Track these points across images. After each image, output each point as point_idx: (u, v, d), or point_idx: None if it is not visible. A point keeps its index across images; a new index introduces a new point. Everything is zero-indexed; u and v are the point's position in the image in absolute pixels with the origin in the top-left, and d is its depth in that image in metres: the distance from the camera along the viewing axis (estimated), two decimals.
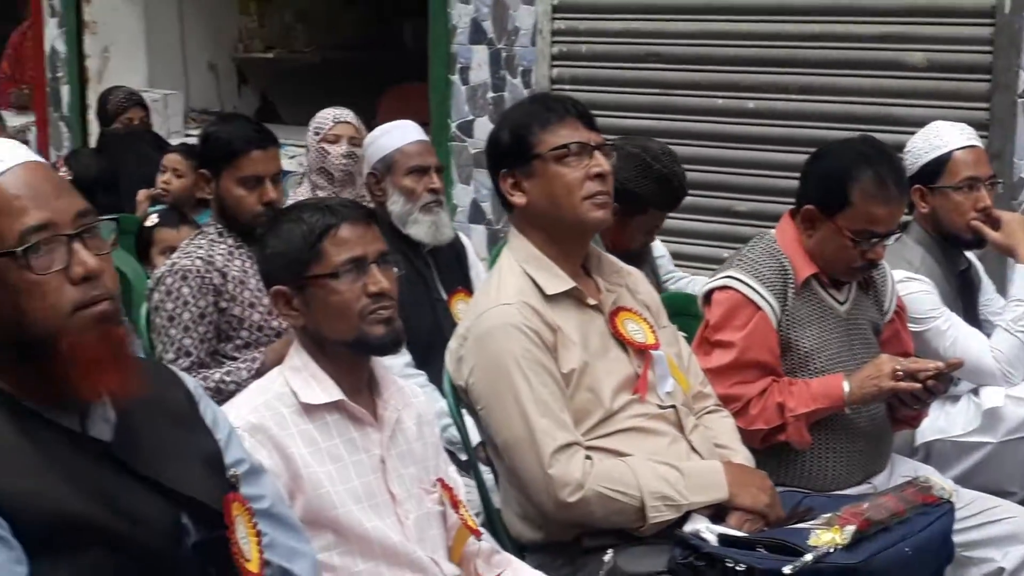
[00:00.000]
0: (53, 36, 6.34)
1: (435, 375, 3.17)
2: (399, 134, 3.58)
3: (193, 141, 5.49)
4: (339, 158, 4.21)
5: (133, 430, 1.73)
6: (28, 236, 1.60)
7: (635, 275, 2.77)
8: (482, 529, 2.33)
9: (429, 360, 3.37)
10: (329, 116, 4.32)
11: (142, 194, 4.95)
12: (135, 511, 1.67)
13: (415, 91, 7.22)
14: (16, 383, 1.66)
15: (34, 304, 1.61)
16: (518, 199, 2.56)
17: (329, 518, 2.09)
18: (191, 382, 1.93)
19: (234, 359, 3.17)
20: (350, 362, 2.23)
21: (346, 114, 4.33)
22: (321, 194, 4.17)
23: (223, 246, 3.25)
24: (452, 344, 2.60)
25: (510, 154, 2.56)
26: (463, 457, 2.91)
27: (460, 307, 3.60)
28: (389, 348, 2.24)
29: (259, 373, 3.02)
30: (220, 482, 1.80)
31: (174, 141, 5.70)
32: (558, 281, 2.54)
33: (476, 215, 5.63)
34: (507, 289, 2.52)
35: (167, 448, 1.76)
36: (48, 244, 1.61)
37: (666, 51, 5.07)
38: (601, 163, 2.50)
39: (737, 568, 2.28)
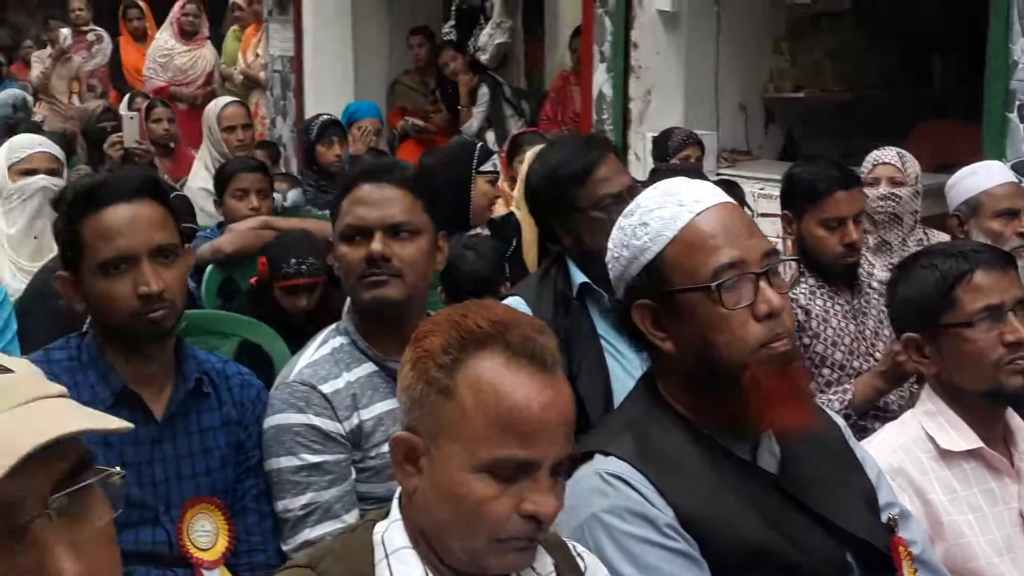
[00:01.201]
0: (601, 81, 6.72)
1: None
2: (986, 175, 3.46)
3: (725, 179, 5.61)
4: (876, 201, 4.10)
5: (798, 464, 1.78)
6: (721, 272, 1.70)
7: None
8: None
9: None
10: (870, 159, 4.25)
11: None
12: (807, 544, 1.72)
13: (945, 128, 6.95)
14: (695, 410, 1.77)
15: (722, 337, 1.70)
16: None
17: (969, 569, 2.04)
18: (841, 420, 1.96)
19: None
20: (985, 411, 2.17)
21: (886, 155, 4.21)
22: (870, 238, 4.11)
23: (804, 285, 3.28)
24: None
25: None
26: None
27: None
28: None
29: (851, 405, 3.02)
30: (879, 523, 1.81)
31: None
32: None
33: None
34: None
35: (830, 484, 1.80)
36: (738, 281, 1.70)
37: None
38: None
39: None
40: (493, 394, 1.42)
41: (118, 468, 1.02)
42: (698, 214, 1.73)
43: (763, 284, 1.71)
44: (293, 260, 3.61)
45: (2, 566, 0.93)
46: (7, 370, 1.00)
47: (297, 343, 3.19)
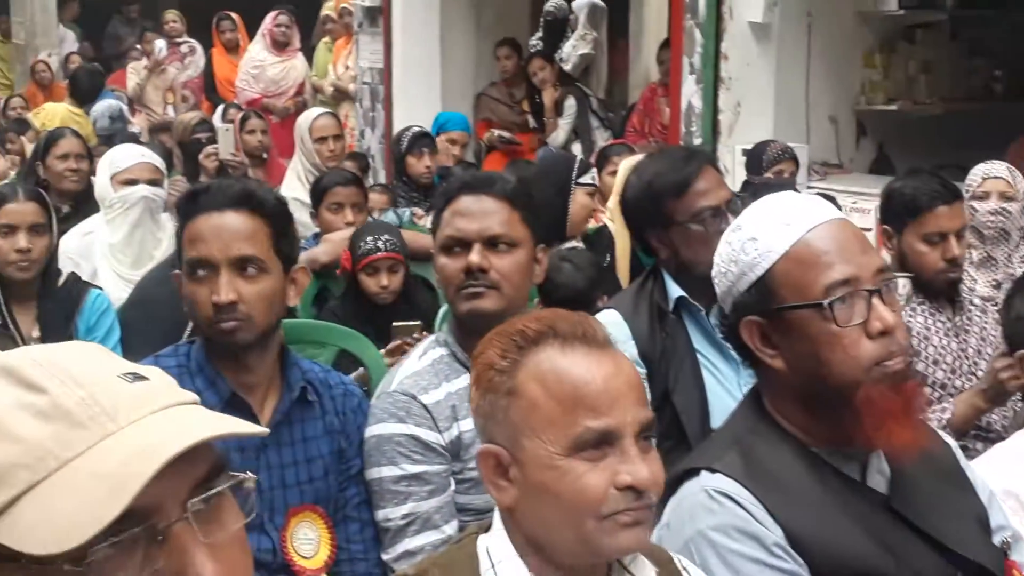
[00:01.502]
0: (690, 93, 6.69)
1: None
2: None
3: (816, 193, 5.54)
4: (985, 215, 4.04)
5: (907, 484, 1.75)
6: (834, 289, 1.67)
7: None
8: None
9: None
10: (979, 172, 4.17)
11: None
12: (918, 565, 1.69)
13: None
14: (804, 428, 1.74)
15: (834, 355, 1.67)
16: None
17: None
18: (952, 441, 1.93)
19: None
20: None
21: (997, 169, 4.14)
22: (974, 252, 4.03)
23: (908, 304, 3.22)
24: None
25: None
26: None
27: None
28: None
29: (949, 424, 2.96)
30: (991, 546, 1.77)
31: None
32: None
33: None
34: None
35: (941, 505, 1.76)
36: (851, 298, 1.68)
37: None
38: None
39: None
40: (556, 377, 1.46)
41: (250, 473, 1.04)
42: (810, 230, 1.71)
43: (876, 301, 1.68)
44: (369, 237, 3.74)
45: (144, 569, 0.95)
46: (143, 378, 1.03)
47: (385, 339, 3.29)
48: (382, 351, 3.24)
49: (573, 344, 1.48)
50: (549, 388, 1.45)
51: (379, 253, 3.69)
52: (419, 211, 5.19)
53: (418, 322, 3.39)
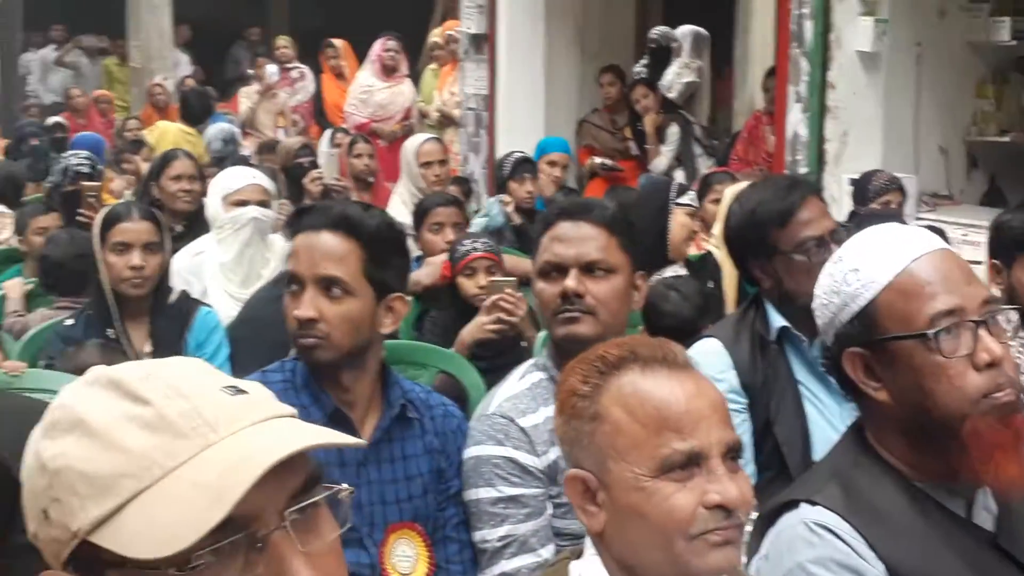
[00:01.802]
0: (796, 121, 6.63)
1: None
2: None
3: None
4: None
5: (1015, 521, 1.72)
6: (939, 320, 1.65)
7: None
8: None
9: None
10: None
11: None
12: None
13: None
14: (908, 462, 1.72)
15: (940, 386, 1.65)
16: None
17: None
18: None
19: None
20: None
21: None
22: None
23: (1016, 339, 3.16)
24: None
25: None
26: None
27: None
28: None
29: None
30: None
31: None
32: None
33: None
34: None
35: None
36: (956, 328, 1.65)
37: None
38: None
39: None
40: (639, 400, 1.48)
41: (345, 484, 1.06)
42: (913, 260, 1.69)
43: (983, 332, 1.65)
44: (466, 241, 3.90)
45: (244, 575, 0.98)
46: (243, 391, 1.06)
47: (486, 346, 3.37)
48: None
49: (654, 367, 1.50)
50: (633, 411, 1.47)
51: (476, 253, 3.78)
52: (506, 198, 5.23)
53: (513, 278, 3.49)
